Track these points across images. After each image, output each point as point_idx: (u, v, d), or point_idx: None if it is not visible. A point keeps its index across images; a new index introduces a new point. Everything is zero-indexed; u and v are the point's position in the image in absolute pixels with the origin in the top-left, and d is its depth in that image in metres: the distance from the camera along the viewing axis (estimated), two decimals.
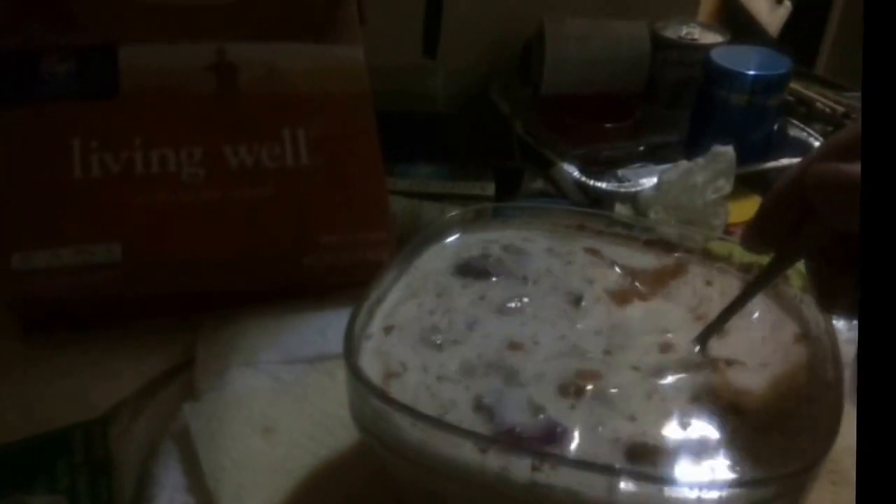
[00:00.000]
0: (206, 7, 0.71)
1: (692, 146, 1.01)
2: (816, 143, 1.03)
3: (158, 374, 0.66)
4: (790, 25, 1.65)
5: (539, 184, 0.96)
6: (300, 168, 0.70)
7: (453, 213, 0.66)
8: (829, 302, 0.52)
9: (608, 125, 1.05)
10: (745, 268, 0.64)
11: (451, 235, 0.65)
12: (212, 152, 0.68)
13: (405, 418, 0.46)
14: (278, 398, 0.63)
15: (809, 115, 1.10)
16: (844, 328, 0.79)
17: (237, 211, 0.68)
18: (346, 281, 0.66)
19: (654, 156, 1.02)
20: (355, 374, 0.48)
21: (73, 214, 0.66)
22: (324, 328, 0.68)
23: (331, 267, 0.70)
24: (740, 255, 0.64)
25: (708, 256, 0.65)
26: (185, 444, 0.60)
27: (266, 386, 0.64)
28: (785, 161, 1.00)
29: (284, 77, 0.71)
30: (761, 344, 0.58)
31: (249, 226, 0.69)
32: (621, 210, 0.90)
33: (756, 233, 0.51)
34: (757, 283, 0.56)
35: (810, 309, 0.59)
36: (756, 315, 0.60)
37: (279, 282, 0.71)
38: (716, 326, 0.56)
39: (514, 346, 0.55)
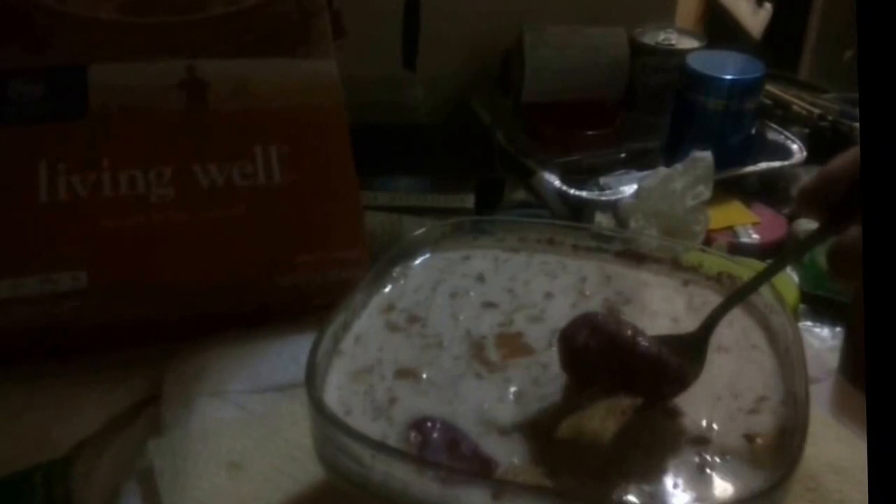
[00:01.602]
0: (175, 24, 0.67)
1: (672, 152, 0.98)
2: (794, 146, 1.00)
3: (124, 408, 0.62)
4: (771, 28, 1.62)
5: (520, 194, 0.93)
6: (272, 186, 0.66)
7: (419, 232, 0.63)
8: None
9: (589, 133, 1.02)
10: (716, 278, 0.61)
11: (421, 254, 0.62)
12: (182, 172, 0.64)
13: (366, 450, 0.43)
14: (246, 431, 0.58)
15: (787, 117, 1.07)
16: (829, 336, 0.77)
17: (208, 232, 0.64)
18: (320, 302, 0.62)
19: (636, 162, 0.99)
20: (318, 407, 0.45)
21: (38, 241, 0.62)
22: (296, 353, 0.62)
23: (305, 287, 0.66)
24: (710, 265, 0.61)
25: (677, 267, 0.62)
26: (148, 483, 0.55)
27: (233, 418, 0.60)
28: (763, 165, 0.97)
29: (256, 93, 0.67)
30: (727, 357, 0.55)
31: (221, 247, 0.65)
32: (601, 219, 0.87)
33: (816, 194, 0.49)
34: (796, 249, 0.53)
35: (780, 319, 0.56)
36: (723, 326, 0.57)
37: (252, 304, 0.67)
38: (740, 297, 0.54)
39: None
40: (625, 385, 0.47)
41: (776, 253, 0.88)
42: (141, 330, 0.64)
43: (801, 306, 0.79)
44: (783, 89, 1.11)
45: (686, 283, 0.62)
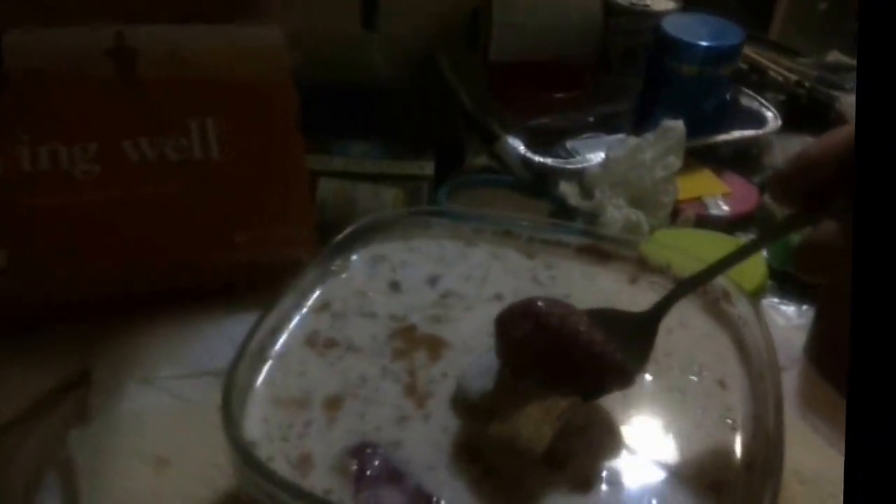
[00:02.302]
0: None
1: (642, 116, 0.94)
2: (769, 114, 0.95)
3: (49, 392, 0.57)
4: None
5: (482, 160, 0.88)
6: (210, 162, 0.60)
7: (365, 221, 0.57)
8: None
9: (558, 95, 0.96)
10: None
11: (365, 244, 0.57)
12: (109, 147, 0.58)
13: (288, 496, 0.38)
14: (176, 421, 0.54)
15: (762, 83, 1.02)
16: (795, 314, 0.72)
17: (139, 210, 0.59)
18: (261, 281, 0.57)
19: (605, 126, 0.94)
20: (236, 446, 0.40)
21: None
22: (234, 335, 0.57)
23: (244, 267, 0.61)
24: (679, 266, 0.56)
25: (644, 267, 0.57)
26: (69, 478, 0.51)
27: (163, 406, 0.55)
28: (736, 133, 0.93)
29: (191, 61, 0.60)
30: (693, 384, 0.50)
31: (153, 226, 0.60)
32: (566, 189, 0.82)
33: (788, 183, 0.43)
34: (762, 238, 0.48)
35: (752, 333, 0.51)
36: (692, 334, 0.52)
37: (187, 285, 0.61)
38: (686, 289, 0.49)
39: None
40: (564, 381, 0.43)
41: (746, 226, 0.84)
42: (68, 309, 0.59)
43: (768, 282, 0.75)
44: (759, 52, 1.05)
45: (634, 279, 0.57)
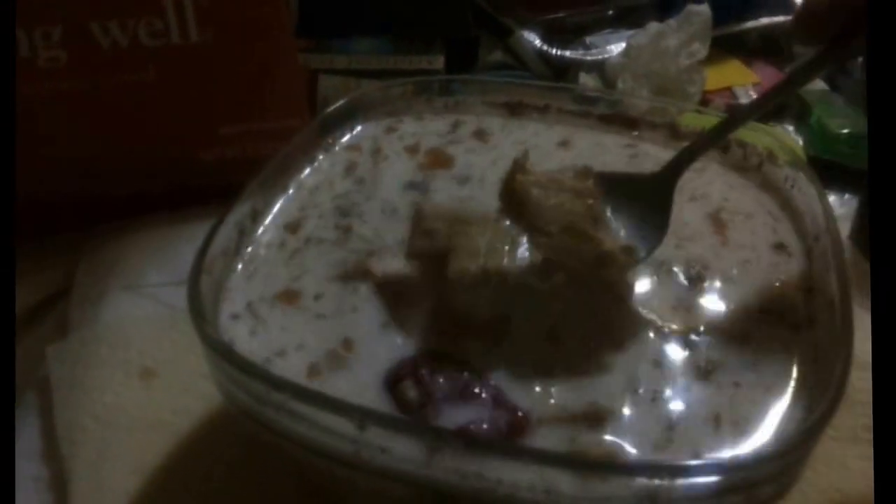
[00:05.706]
0: None
1: (665, 9, 0.83)
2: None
3: (30, 307, 0.50)
4: None
5: (497, 55, 0.79)
6: (189, 46, 0.51)
7: (364, 90, 0.49)
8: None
9: None
10: (722, 147, 0.47)
11: (366, 118, 0.48)
12: (75, 31, 0.49)
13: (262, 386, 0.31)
14: (164, 330, 0.46)
15: None
16: (837, 203, 0.65)
17: (112, 101, 0.51)
18: None
19: (625, 20, 0.85)
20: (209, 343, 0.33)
21: None
22: None
23: (233, 163, 0.53)
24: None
25: (675, 134, 0.48)
26: (46, 395, 0.44)
27: (150, 314, 0.48)
28: (765, 20, 0.83)
29: None
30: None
31: (129, 119, 0.52)
32: (587, 81, 0.73)
33: (814, 19, 0.36)
34: (799, 72, 0.39)
35: (802, 195, 0.42)
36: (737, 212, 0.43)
37: (173, 184, 0.54)
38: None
39: None
40: None
41: (778, 115, 0.75)
42: (46, 215, 0.52)
43: None
44: None
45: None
